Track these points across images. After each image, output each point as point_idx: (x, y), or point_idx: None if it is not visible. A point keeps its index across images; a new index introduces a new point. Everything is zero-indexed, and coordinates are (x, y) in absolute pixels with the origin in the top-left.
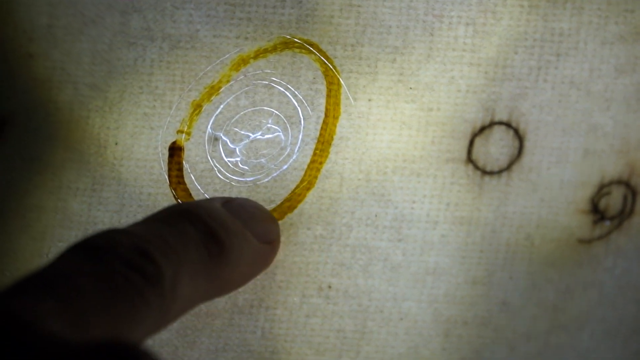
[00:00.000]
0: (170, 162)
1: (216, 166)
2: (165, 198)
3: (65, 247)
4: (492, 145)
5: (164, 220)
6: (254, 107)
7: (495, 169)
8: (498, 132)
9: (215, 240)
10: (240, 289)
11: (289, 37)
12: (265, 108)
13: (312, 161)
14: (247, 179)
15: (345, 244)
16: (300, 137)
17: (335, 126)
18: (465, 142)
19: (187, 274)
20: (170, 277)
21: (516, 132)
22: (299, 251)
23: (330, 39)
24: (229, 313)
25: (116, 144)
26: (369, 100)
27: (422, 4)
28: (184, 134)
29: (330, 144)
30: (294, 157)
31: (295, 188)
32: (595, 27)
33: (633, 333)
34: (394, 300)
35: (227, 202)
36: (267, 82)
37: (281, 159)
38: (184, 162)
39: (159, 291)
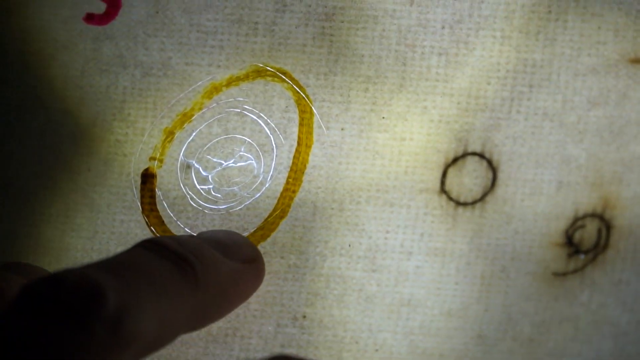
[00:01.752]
0: (142, 189)
1: (189, 193)
2: (138, 225)
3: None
4: (465, 176)
5: (127, 257)
6: (227, 134)
7: (469, 200)
8: (471, 163)
9: (185, 258)
10: None
11: (261, 65)
12: (237, 136)
13: (285, 189)
14: (220, 207)
15: (319, 274)
16: (273, 165)
17: (308, 155)
18: (439, 173)
19: (154, 304)
20: (117, 308)
21: (489, 163)
22: (273, 280)
23: (303, 68)
24: (204, 342)
25: (89, 170)
26: (342, 129)
27: (394, 34)
28: (156, 161)
29: (303, 173)
30: (267, 185)
31: (268, 216)
32: (568, 59)
33: None
34: (369, 331)
35: (199, 234)
36: (239, 110)
37: (254, 187)
38: (156, 189)
39: (104, 317)
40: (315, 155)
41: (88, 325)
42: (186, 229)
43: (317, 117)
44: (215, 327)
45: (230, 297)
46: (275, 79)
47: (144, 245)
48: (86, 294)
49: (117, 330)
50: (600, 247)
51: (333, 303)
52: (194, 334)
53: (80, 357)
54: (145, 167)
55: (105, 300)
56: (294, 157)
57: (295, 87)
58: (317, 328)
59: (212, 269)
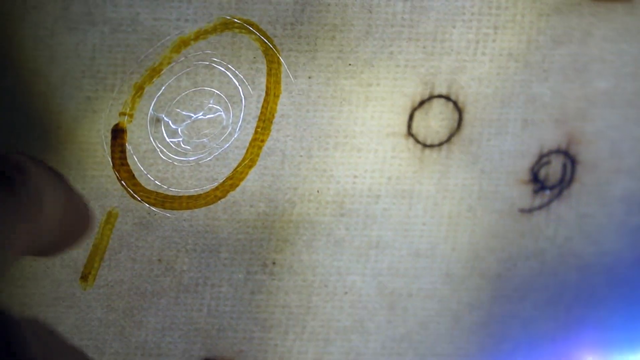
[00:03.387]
0: (113, 145)
1: (159, 147)
2: (109, 180)
3: None
4: (431, 118)
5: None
6: (195, 87)
7: (436, 142)
8: (437, 106)
9: (56, 173)
10: (185, 268)
11: (228, 17)
12: (206, 88)
13: (254, 139)
14: (190, 159)
15: (289, 220)
16: (242, 115)
17: (276, 104)
18: (405, 117)
19: (50, 184)
20: (36, 186)
21: (455, 104)
22: (243, 229)
23: (270, 19)
24: (175, 292)
25: (59, 127)
26: (309, 77)
27: None
28: (126, 116)
29: (271, 122)
30: (236, 135)
31: (237, 166)
32: (532, 0)
33: (575, 300)
34: (338, 275)
35: None
36: (207, 63)
37: (223, 137)
38: (126, 144)
39: (27, 190)
40: (284, 105)
41: (17, 192)
42: (156, 181)
43: (284, 66)
44: (187, 276)
45: (82, 222)
46: (243, 30)
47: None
48: (15, 165)
49: (37, 203)
50: (565, 182)
51: (302, 248)
52: (165, 284)
53: (9, 218)
54: (116, 122)
55: (29, 175)
56: (262, 106)
57: (262, 37)
58: (286, 274)
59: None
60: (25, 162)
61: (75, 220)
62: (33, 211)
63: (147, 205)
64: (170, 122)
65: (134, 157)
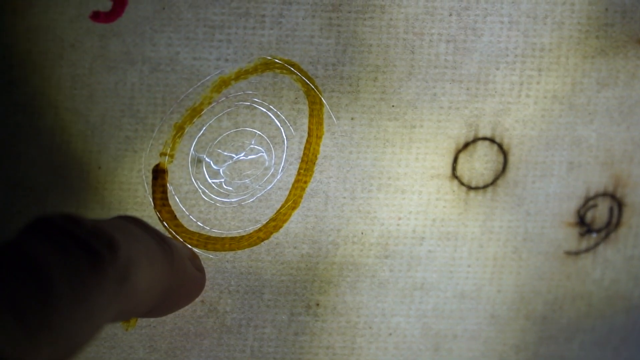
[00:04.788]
0: (154, 185)
1: (200, 188)
2: (150, 220)
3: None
4: (476, 160)
5: (120, 223)
6: (237, 128)
7: (481, 184)
8: (482, 148)
9: (164, 241)
10: (228, 309)
11: (269, 57)
12: (247, 129)
13: (297, 180)
14: (232, 200)
15: (332, 262)
16: (284, 157)
17: (318, 145)
18: (450, 158)
19: (146, 268)
20: (126, 256)
21: (500, 147)
22: (286, 270)
23: (311, 59)
24: (218, 333)
25: (99, 167)
26: (352, 118)
27: (402, 22)
28: (167, 157)
29: (314, 163)
30: (278, 177)
31: (281, 208)
32: (576, 42)
33: (623, 342)
34: (382, 316)
35: None
36: (249, 103)
37: (265, 179)
38: (168, 185)
39: (116, 267)
40: (326, 146)
41: (103, 269)
42: (199, 222)
43: (326, 107)
44: (229, 317)
45: (187, 292)
46: (284, 71)
47: (126, 218)
48: (105, 240)
49: (123, 281)
50: (612, 225)
51: (346, 290)
52: (208, 325)
53: (93, 296)
54: (156, 162)
55: (119, 252)
56: (305, 148)
57: (304, 78)
58: (330, 315)
59: (181, 259)
60: (117, 239)
61: (183, 287)
62: (122, 288)
63: (190, 246)
64: (211, 163)
65: (176, 197)
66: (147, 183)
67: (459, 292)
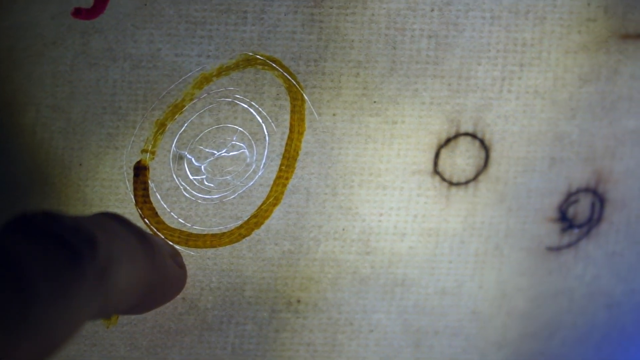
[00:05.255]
0: (135, 182)
1: (182, 184)
2: (131, 217)
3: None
4: (458, 156)
5: (101, 219)
6: (218, 124)
7: (462, 179)
8: (464, 143)
9: (146, 238)
10: (209, 306)
11: (251, 54)
12: (229, 125)
13: (278, 177)
14: (213, 197)
15: (314, 258)
16: (266, 153)
17: (300, 141)
18: (431, 154)
19: (126, 265)
20: (106, 253)
21: (482, 142)
22: (267, 267)
23: (293, 55)
24: (199, 330)
25: (80, 164)
26: (334, 114)
27: (383, 18)
28: (148, 153)
29: (295, 160)
30: (260, 173)
31: (262, 204)
32: (558, 37)
33: (604, 338)
34: (363, 313)
35: None
36: (230, 100)
37: (247, 175)
38: (149, 181)
39: (95, 264)
40: (308, 142)
41: (82, 266)
42: (180, 219)
43: (308, 103)
44: (210, 314)
45: (168, 288)
46: (266, 67)
47: (108, 215)
48: (84, 237)
49: (103, 278)
50: (594, 220)
51: (327, 286)
52: (189, 322)
53: (72, 292)
54: (138, 159)
55: (98, 248)
56: (287, 144)
57: (285, 74)
58: (311, 312)
59: (162, 256)
60: (96, 235)
61: (164, 284)
62: (101, 285)
63: (171, 243)
64: (193, 160)
65: (157, 194)
66: (128, 180)
67: (440, 288)
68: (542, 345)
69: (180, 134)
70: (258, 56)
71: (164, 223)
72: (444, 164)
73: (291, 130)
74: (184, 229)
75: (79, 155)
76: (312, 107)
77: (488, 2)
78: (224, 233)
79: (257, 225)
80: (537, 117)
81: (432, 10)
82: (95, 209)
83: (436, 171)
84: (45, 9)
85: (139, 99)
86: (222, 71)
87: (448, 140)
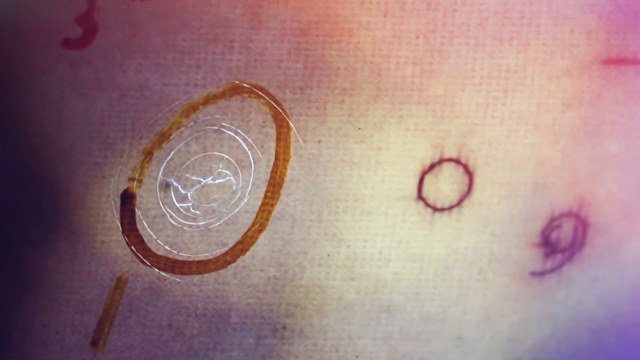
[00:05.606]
0: (122, 210)
1: (168, 212)
2: (118, 245)
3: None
4: (442, 182)
5: None
6: (205, 152)
7: (446, 205)
8: (447, 169)
9: None
10: (195, 332)
11: (237, 82)
12: (215, 153)
13: (264, 204)
14: (199, 223)
15: (299, 285)
16: (251, 180)
17: (285, 169)
18: (415, 180)
19: None
20: None
21: (466, 168)
22: (253, 293)
23: (279, 83)
24: (185, 356)
25: (68, 194)
26: (319, 141)
27: (369, 46)
28: (135, 181)
29: (281, 187)
30: (245, 200)
31: (247, 231)
32: (542, 63)
33: None
34: (349, 339)
35: None
36: (217, 128)
37: (232, 202)
38: (136, 209)
39: None
40: (293, 169)
41: None
42: (166, 246)
43: (294, 131)
44: (197, 341)
45: None
46: (252, 95)
47: None
48: None
49: None
50: (576, 245)
51: (313, 313)
52: (175, 348)
53: None
54: (125, 187)
55: None
56: (272, 171)
57: (271, 102)
58: (297, 338)
59: None
60: None
61: None
62: None
63: (157, 270)
64: (179, 187)
65: (144, 222)
66: (115, 208)
67: (425, 313)
68: None
69: (167, 161)
70: (244, 84)
71: (150, 250)
72: (428, 189)
73: (277, 158)
74: (169, 255)
75: (67, 184)
76: (297, 134)
77: (472, 29)
78: (210, 260)
79: (243, 251)
80: (520, 142)
81: (417, 37)
82: (83, 238)
83: (420, 197)
84: (34, 40)
85: (127, 128)
86: (209, 99)
87: (432, 166)
